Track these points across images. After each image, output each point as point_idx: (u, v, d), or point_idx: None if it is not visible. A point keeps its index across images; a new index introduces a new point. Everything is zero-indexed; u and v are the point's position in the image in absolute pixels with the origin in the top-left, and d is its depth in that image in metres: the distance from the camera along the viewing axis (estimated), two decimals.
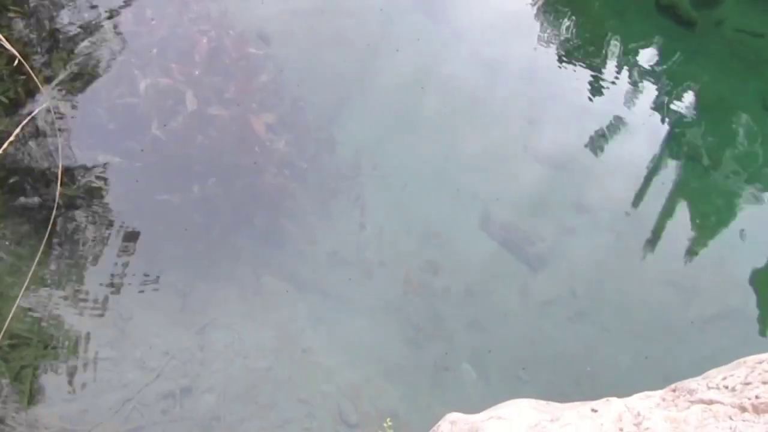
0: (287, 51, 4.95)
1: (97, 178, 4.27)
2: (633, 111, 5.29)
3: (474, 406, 2.55)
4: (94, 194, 4.25)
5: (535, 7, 5.86)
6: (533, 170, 4.97)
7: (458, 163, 4.90)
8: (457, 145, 5.00)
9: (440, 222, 4.70)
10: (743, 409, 1.52)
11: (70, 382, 3.76)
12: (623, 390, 2.34)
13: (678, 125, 5.20)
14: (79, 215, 4.18)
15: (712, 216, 4.83)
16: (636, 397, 1.80)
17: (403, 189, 4.76)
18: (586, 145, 5.08)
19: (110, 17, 4.74)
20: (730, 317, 4.39)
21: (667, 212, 4.84)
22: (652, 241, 4.69)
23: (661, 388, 2.16)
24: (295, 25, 5.12)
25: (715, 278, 4.53)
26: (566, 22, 5.73)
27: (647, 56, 5.59)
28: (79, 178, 4.24)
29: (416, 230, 4.65)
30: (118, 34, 4.65)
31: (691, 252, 4.68)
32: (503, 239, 4.67)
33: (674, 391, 1.75)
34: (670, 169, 5.03)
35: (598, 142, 5.08)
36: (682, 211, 4.84)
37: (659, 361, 4.20)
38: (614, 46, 5.66)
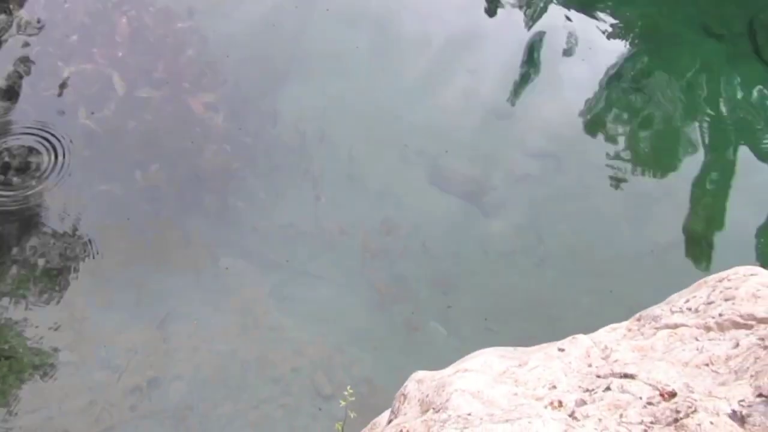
0: (214, 22, 4.77)
1: (32, 177, 4.07)
2: (572, 48, 5.25)
3: (447, 363, 2.53)
4: (31, 194, 4.06)
5: None
6: (478, 120, 4.91)
7: (403, 121, 4.81)
8: (400, 103, 4.90)
9: (392, 182, 4.64)
10: (708, 329, 1.50)
11: (33, 392, 3.63)
12: (592, 327, 2.33)
13: (619, 57, 5.19)
14: (17, 217, 3.99)
15: (657, 145, 4.85)
16: (602, 331, 1.77)
17: (351, 154, 4.67)
18: (527, 90, 5.04)
19: (21, 5, 4.48)
20: (686, 242, 4.43)
21: (615, 146, 4.85)
22: (603, 177, 4.69)
23: (627, 320, 2.15)
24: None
25: (665, 207, 4.56)
26: None
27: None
28: (14, 179, 4.04)
29: (370, 194, 4.57)
30: (33, 24, 4.40)
31: (641, 183, 4.70)
32: (455, 192, 4.63)
33: (639, 320, 1.72)
34: (614, 102, 5.02)
35: (539, 85, 5.04)
36: (630, 143, 4.85)
37: (623, 294, 4.23)
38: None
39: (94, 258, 4.03)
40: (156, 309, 4.02)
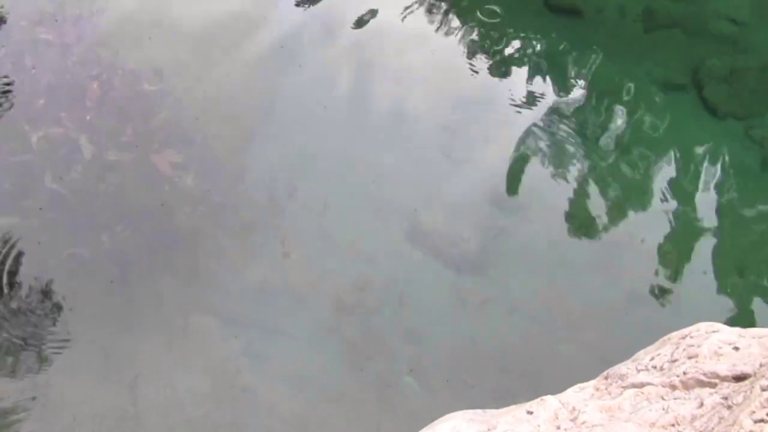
0: (184, 83, 4.82)
1: None
2: (532, 101, 5.38)
3: (420, 418, 2.50)
4: None
5: (425, 14, 5.90)
6: (450, 175, 4.97)
7: (375, 176, 4.86)
8: (371, 159, 4.96)
9: (364, 238, 4.65)
10: (673, 387, 1.51)
11: None
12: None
13: (577, 112, 5.32)
14: None
15: (621, 195, 4.94)
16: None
17: (324, 211, 4.70)
18: (495, 144, 5.13)
19: None
20: (656, 291, 4.49)
21: (582, 197, 4.93)
22: (571, 228, 4.76)
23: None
24: (189, 56, 5.00)
25: (633, 256, 4.63)
26: (460, 32, 5.80)
27: (540, 49, 5.71)
28: None
29: (342, 249, 4.58)
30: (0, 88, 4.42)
31: (609, 233, 4.77)
32: (428, 246, 4.65)
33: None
34: (577, 154, 5.13)
35: (503, 138, 5.14)
36: (595, 194, 4.94)
37: (597, 343, 4.26)
38: (507, 45, 5.76)
39: (60, 323, 3.97)
40: (124, 373, 3.95)
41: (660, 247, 4.71)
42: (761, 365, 1.42)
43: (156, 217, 4.26)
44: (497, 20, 5.86)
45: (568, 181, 5.02)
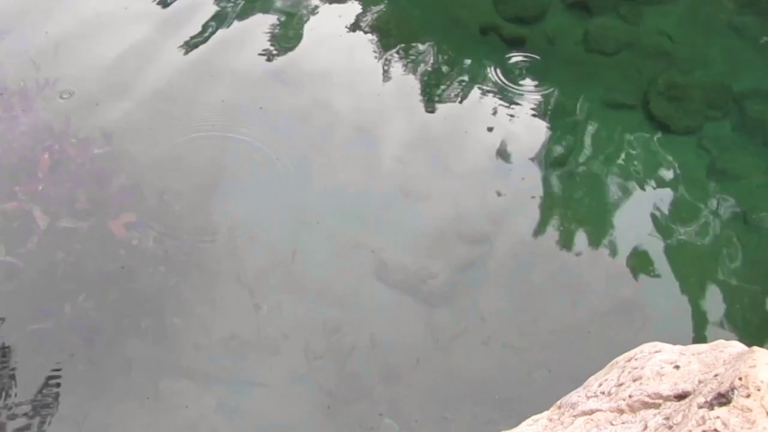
0: (137, 144, 4.83)
1: None
2: (492, 130, 5.46)
3: None
4: None
5: (375, 53, 5.99)
6: (414, 210, 5.00)
7: (338, 217, 4.87)
8: (333, 201, 4.98)
9: (332, 281, 4.65)
10: (621, 411, 1.52)
11: None
12: (543, 402, 2.34)
13: (536, 137, 5.41)
14: None
15: (583, 217, 5.01)
16: (524, 424, 1.78)
17: (290, 258, 4.69)
18: (456, 177, 5.18)
19: None
20: (624, 308, 4.52)
21: (545, 221, 4.98)
22: (537, 253, 4.80)
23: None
24: (140, 115, 5.03)
25: (599, 276, 4.68)
26: (399, 67, 5.89)
27: (490, 78, 5.83)
28: None
29: (310, 294, 4.57)
30: None
31: (574, 254, 4.82)
32: (398, 283, 4.66)
33: (560, 408, 1.74)
34: (537, 179, 5.20)
35: (461, 170, 5.20)
36: (557, 217, 5.00)
37: (570, 365, 4.26)
38: (458, 76, 5.87)
39: (29, 400, 3.89)
40: None
41: (625, 264, 4.76)
42: (700, 382, 1.44)
43: (118, 282, 4.22)
44: (447, 55, 5.98)
45: (530, 207, 5.07)
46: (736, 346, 1.54)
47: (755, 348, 1.42)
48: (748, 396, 1.24)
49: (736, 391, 1.26)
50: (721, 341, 1.60)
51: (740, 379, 1.28)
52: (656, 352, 1.59)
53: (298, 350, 4.36)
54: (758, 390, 1.23)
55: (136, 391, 4.08)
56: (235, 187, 4.94)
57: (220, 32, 5.93)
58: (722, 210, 5.04)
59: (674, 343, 4.18)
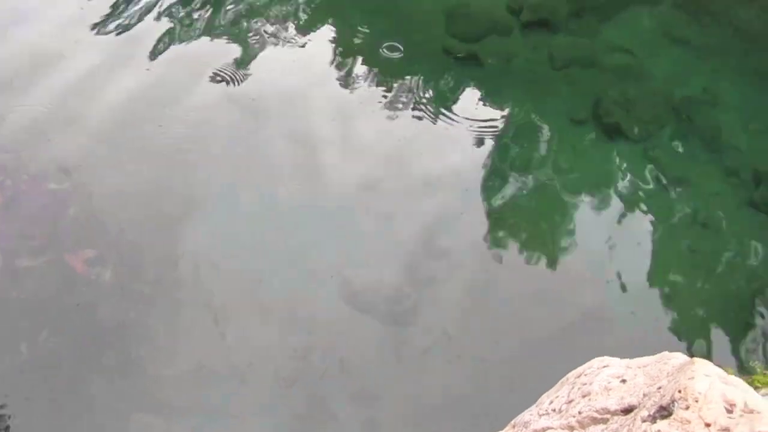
0: (96, 177, 4.78)
1: None
2: (449, 145, 5.52)
3: None
4: None
5: (331, 76, 6.04)
6: (378, 229, 5.02)
7: (302, 243, 4.86)
8: (300, 225, 4.97)
9: (300, 305, 4.63)
10: (572, 428, 1.55)
11: None
12: (515, 415, 2.36)
13: (491, 153, 5.48)
14: None
15: (545, 227, 5.08)
16: None
17: (255, 284, 4.66)
18: (416, 196, 5.21)
19: None
20: (587, 318, 4.57)
21: (508, 233, 5.03)
22: (502, 266, 4.85)
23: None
24: (94, 147, 4.99)
25: (563, 285, 4.74)
26: (356, 88, 5.94)
27: (449, 96, 5.91)
28: None
29: (278, 320, 4.54)
30: None
31: (535, 264, 4.87)
32: (366, 304, 4.65)
33: (514, 427, 1.76)
34: (499, 191, 5.26)
35: (421, 187, 5.24)
36: (520, 229, 5.06)
37: (539, 377, 4.28)
38: (418, 96, 5.93)
39: None
40: None
41: (585, 273, 4.83)
42: (644, 395, 1.47)
43: (77, 318, 4.15)
44: (403, 75, 6.04)
45: (491, 220, 5.12)
46: (679, 358, 1.58)
47: (695, 359, 1.46)
48: (687, 408, 1.27)
49: (676, 404, 1.30)
50: (665, 353, 1.64)
51: (680, 391, 1.31)
52: (604, 366, 1.63)
53: (267, 378, 4.32)
54: (696, 402, 1.27)
55: (103, 429, 3.99)
56: (196, 216, 4.91)
57: (173, 60, 5.92)
58: (677, 216, 5.14)
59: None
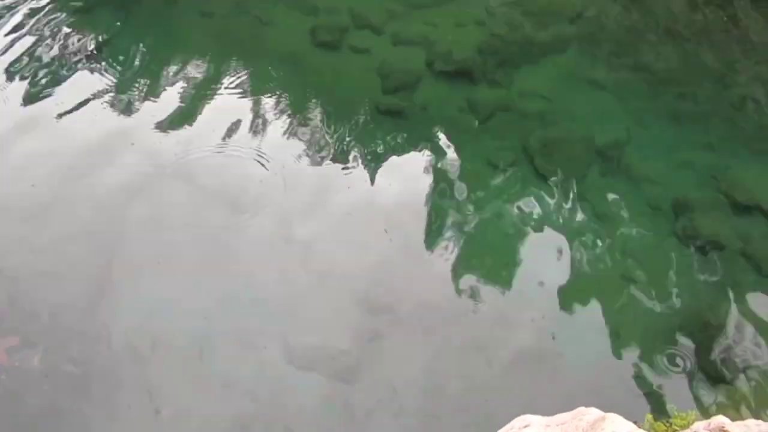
0: (11, 261, 4.64)
1: None
2: (386, 201, 5.57)
3: None
4: None
5: (270, 136, 6.07)
6: (317, 288, 4.99)
7: (239, 308, 4.79)
8: (236, 290, 4.91)
9: (240, 372, 4.53)
10: None
11: None
12: None
13: (424, 202, 5.58)
14: None
15: (484, 272, 5.13)
16: None
17: (193, 354, 4.56)
18: (350, 249, 5.23)
19: None
20: (532, 358, 4.63)
21: (446, 281, 5.08)
22: (439, 316, 4.86)
23: None
24: (8, 229, 4.86)
25: (499, 327, 4.78)
26: (293, 146, 6.00)
27: (380, 149, 6.03)
28: None
29: (217, 391, 4.43)
30: None
31: (476, 310, 4.92)
32: (308, 365, 4.60)
33: None
34: (436, 240, 5.31)
35: (359, 241, 5.25)
36: (457, 276, 5.11)
37: (484, 424, 4.29)
38: (346, 149, 6.02)
39: None
40: None
41: (528, 314, 4.88)
42: None
43: (3, 410, 3.96)
44: (339, 131, 6.12)
45: (429, 270, 5.17)
46: (593, 414, 1.61)
47: (607, 416, 1.49)
48: None
49: None
50: (581, 409, 1.68)
51: None
52: (525, 426, 1.65)
53: None
54: None
55: None
56: (127, 290, 4.81)
57: (86, 131, 5.88)
58: (610, 252, 5.28)
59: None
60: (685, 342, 4.73)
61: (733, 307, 4.88)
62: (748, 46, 6.97)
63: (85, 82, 6.40)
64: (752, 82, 6.59)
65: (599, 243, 5.34)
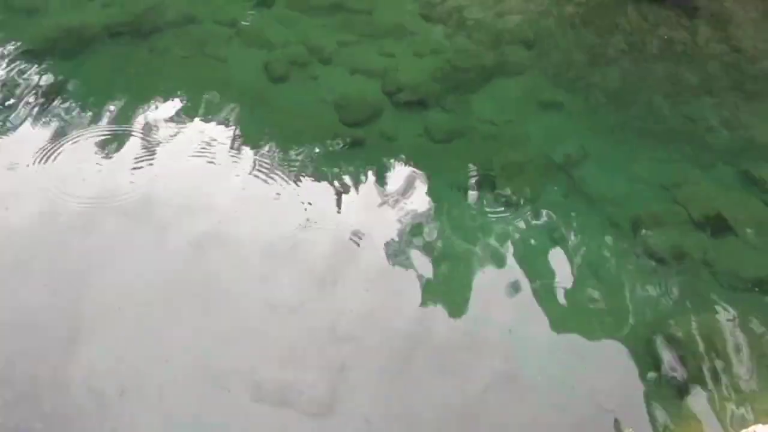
0: None
1: None
2: (342, 233, 5.57)
3: None
4: None
5: (226, 171, 6.05)
6: (279, 322, 4.94)
7: (204, 348, 4.73)
8: (199, 329, 4.84)
9: (210, 413, 4.45)
10: None
11: None
12: None
13: (385, 232, 5.59)
14: None
15: (449, 297, 5.14)
16: None
17: (160, 398, 4.47)
18: (313, 281, 5.20)
19: None
20: (503, 383, 4.65)
21: (413, 309, 5.07)
22: (409, 341, 4.86)
23: None
24: None
25: (475, 352, 4.80)
26: (251, 181, 6.00)
27: (339, 182, 6.04)
28: None
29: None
30: None
31: (444, 336, 4.91)
32: (276, 401, 4.54)
33: None
34: (396, 272, 5.31)
35: (322, 271, 5.23)
36: (424, 304, 5.11)
37: None
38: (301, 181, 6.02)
39: None
40: None
41: (497, 338, 4.89)
42: None
43: None
44: (296, 165, 6.13)
45: (395, 297, 5.17)
46: None
47: None
48: None
49: None
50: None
51: None
52: None
53: None
54: None
55: None
56: (93, 336, 4.72)
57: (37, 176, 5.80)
58: (574, 273, 5.33)
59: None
60: (651, 357, 4.78)
61: (696, 320, 4.96)
62: (696, 64, 7.20)
63: (38, 128, 6.33)
64: (701, 98, 6.79)
65: (561, 263, 5.40)
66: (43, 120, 6.39)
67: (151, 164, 6.01)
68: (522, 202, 5.79)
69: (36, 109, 6.48)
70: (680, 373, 4.65)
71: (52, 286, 4.99)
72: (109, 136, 6.26)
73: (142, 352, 4.67)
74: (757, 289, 5.17)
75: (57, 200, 5.61)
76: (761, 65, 7.08)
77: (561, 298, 5.17)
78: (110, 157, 6.06)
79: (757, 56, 7.18)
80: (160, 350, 4.69)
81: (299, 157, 6.18)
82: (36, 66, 6.95)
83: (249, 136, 6.36)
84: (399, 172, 6.09)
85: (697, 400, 4.53)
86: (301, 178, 5.99)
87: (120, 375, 4.54)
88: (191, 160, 6.09)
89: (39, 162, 5.95)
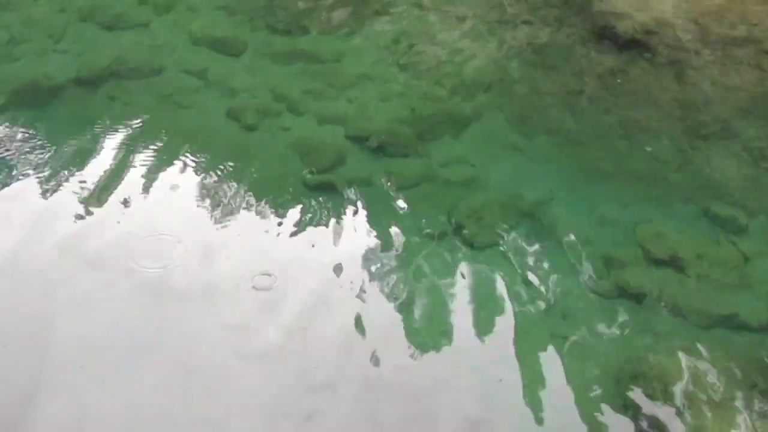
0: None
1: None
2: (318, 278, 5.55)
3: None
4: None
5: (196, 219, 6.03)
6: (249, 371, 4.86)
7: (177, 396, 4.65)
8: (169, 379, 4.75)
9: None
10: None
11: None
12: None
13: (355, 277, 5.59)
14: None
15: (421, 343, 5.12)
16: None
17: None
18: (281, 329, 5.14)
19: None
20: (475, 428, 4.63)
21: (385, 355, 5.02)
22: (380, 384, 4.81)
23: None
24: None
25: (443, 397, 4.75)
26: (220, 230, 5.98)
27: (308, 228, 6.05)
28: None
29: None
30: None
31: (417, 383, 4.86)
32: None
33: None
34: (367, 320, 5.28)
35: (289, 320, 5.19)
36: (394, 349, 5.07)
37: None
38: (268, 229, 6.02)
39: None
40: None
41: (469, 381, 4.86)
42: None
43: None
44: (260, 211, 6.11)
45: (366, 343, 5.13)
46: None
47: None
48: None
49: None
50: None
51: None
52: None
53: None
54: None
55: None
56: (53, 392, 4.60)
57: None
58: (543, 314, 5.36)
59: None
60: (622, 393, 4.79)
61: (663, 357, 5.00)
62: (653, 104, 7.41)
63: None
64: (659, 138, 6.98)
65: (532, 307, 5.41)
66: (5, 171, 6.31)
67: (113, 211, 5.96)
68: (489, 243, 5.84)
69: None
70: (649, 408, 4.67)
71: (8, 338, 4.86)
72: (74, 185, 6.22)
73: (109, 405, 4.56)
74: (721, 326, 5.25)
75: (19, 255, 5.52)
76: (715, 108, 7.34)
77: (533, 340, 5.17)
78: (75, 207, 6.00)
79: (712, 99, 7.44)
80: (127, 402, 4.58)
81: (264, 204, 6.19)
82: None
83: (209, 184, 6.37)
84: (362, 219, 6.12)
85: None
86: (267, 223, 5.98)
87: (84, 429, 4.41)
88: (150, 207, 6.08)
89: None
